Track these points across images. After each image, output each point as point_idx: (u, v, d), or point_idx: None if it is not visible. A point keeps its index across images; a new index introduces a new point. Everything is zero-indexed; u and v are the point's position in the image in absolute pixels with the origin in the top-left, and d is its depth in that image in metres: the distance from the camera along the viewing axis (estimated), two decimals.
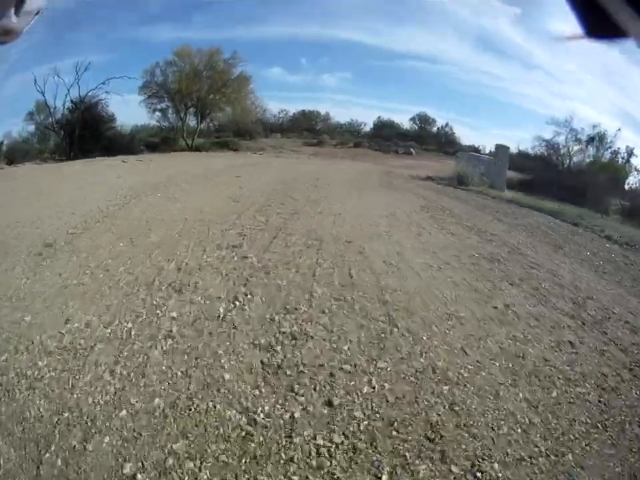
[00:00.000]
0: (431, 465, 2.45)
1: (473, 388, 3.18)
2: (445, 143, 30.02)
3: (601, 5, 0.51)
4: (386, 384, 3.14)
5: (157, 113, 22.75)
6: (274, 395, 2.93)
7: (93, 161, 13.40)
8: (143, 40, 25.06)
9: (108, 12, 19.93)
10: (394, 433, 2.67)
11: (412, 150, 25.44)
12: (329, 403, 2.89)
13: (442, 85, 31.92)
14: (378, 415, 2.82)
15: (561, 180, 16.18)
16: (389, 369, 3.31)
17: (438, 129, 31.63)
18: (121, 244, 5.27)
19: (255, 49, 23.77)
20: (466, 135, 29.71)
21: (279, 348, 3.44)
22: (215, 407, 2.77)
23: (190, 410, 2.73)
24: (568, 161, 17.74)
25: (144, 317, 3.76)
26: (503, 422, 2.86)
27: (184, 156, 17.74)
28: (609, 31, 0.54)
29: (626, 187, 16.81)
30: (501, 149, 13.22)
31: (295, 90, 33.10)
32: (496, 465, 2.48)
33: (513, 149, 27.45)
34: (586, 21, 0.56)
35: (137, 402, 2.77)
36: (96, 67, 19.94)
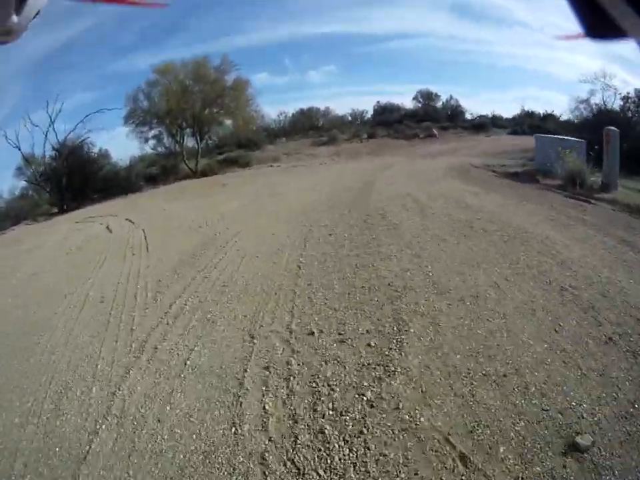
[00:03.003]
0: None
1: None
2: (452, 117, 25.37)
3: (601, 4, 0.45)
4: None
5: (151, 142, 17.57)
6: None
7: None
8: (121, 74, 21.64)
9: (80, 54, 16.49)
10: None
11: (435, 132, 20.20)
12: None
13: (428, 58, 28.31)
14: None
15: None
16: None
17: (443, 103, 27.18)
18: None
19: (237, 59, 18.83)
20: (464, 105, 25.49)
21: None
22: None
23: None
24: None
25: None
26: None
27: (191, 190, 12.48)
28: (609, 30, 0.46)
29: None
30: (611, 132, 8.04)
31: (285, 91, 28.74)
32: None
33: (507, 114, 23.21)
34: (586, 21, 0.48)
35: None
36: (78, 108, 16.35)
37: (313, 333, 2.75)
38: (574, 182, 7.89)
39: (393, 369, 2.27)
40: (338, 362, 2.41)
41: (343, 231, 4.73)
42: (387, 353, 2.43)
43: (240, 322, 2.92)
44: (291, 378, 2.30)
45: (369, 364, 2.36)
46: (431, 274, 3.35)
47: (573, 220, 5.21)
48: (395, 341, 2.53)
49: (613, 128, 8.49)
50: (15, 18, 0.49)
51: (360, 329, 2.72)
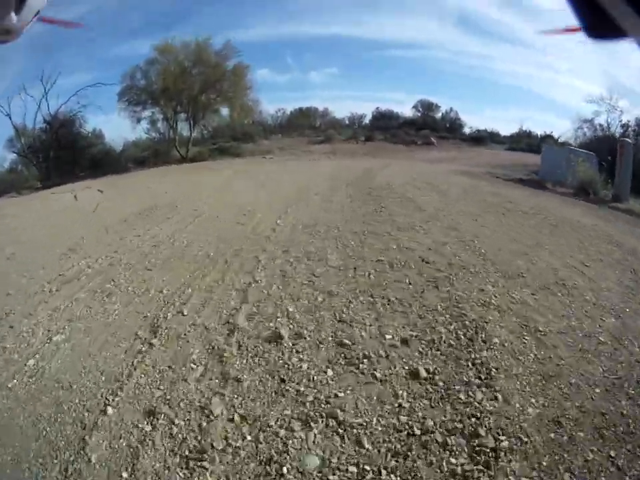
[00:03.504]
0: None
1: None
2: (451, 129, 24.56)
3: (601, 4, 0.43)
4: None
5: (143, 123, 16.16)
6: None
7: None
8: (122, 57, 20.57)
9: (84, 32, 15.42)
10: None
11: (433, 140, 19.25)
12: None
13: (431, 70, 27.57)
14: None
15: None
16: None
17: (442, 114, 26.36)
18: None
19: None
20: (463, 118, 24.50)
21: None
22: None
23: None
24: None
25: None
26: None
27: (176, 172, 11.24)
28: (609, 30, 0.44)
29: None
30: (625, 144, 7.31)
31: (286, 90, 27.64)
32: None
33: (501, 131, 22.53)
34: (586, 21, 0.46)
35: None
36: (75, 87, 15.02)
37: (279, 338, 1.52)
38: (586, 191, 7.10)
39: (488, 444, 0.91)
40: (347, 429, 1.02)
41: (342, 200, 3.61)
42: (456, 392, 1.10)
43: (149, 301, 1.73)
44: (206, 462, 1.00)
45: (428, 432, 0.96)
46: (482, 251, 2.23)
47: (605, 216, 4.18)
48: (469, 363, 1.22)
49: (627, 140, 7.95)
50: (14, 17, 0.47)
51: (387, 336, 1.45)
